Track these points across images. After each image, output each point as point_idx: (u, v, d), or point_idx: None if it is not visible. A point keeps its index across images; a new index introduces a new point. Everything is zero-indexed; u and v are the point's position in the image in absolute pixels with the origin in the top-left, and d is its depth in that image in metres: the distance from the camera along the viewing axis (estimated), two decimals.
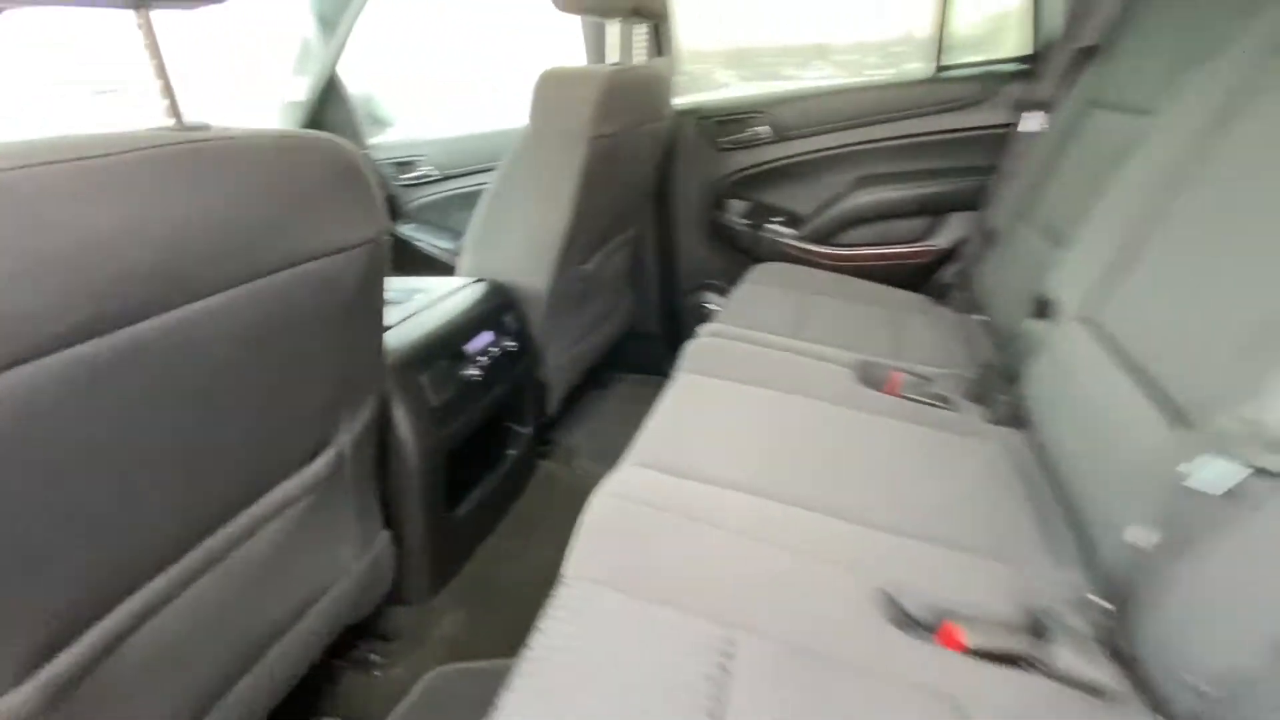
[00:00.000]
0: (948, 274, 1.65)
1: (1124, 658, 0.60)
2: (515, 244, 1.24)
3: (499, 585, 1.19)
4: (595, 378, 1.84)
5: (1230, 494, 0.51)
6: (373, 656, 1.04)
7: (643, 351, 1.93)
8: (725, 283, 1.60)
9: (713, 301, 1.86)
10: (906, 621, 0.66)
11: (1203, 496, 0.52)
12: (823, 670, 0.60)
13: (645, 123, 1.38)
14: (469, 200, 1.38)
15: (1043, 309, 0.99)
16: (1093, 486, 0.73)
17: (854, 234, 1.73)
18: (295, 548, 0.79)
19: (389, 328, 1.00)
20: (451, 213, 2.07)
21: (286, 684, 0.82)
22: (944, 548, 0.74)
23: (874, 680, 0.59)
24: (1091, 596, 0.65)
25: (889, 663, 0.61)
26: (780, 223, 1.75)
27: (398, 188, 2.12)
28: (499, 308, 1.18)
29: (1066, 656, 0.60)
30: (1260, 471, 0.48)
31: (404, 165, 2.13)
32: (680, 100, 1.72)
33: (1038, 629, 0.64)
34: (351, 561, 0.91)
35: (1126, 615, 0.60)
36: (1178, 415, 0.62)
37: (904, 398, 1.10)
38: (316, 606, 0.85)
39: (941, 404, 1.08)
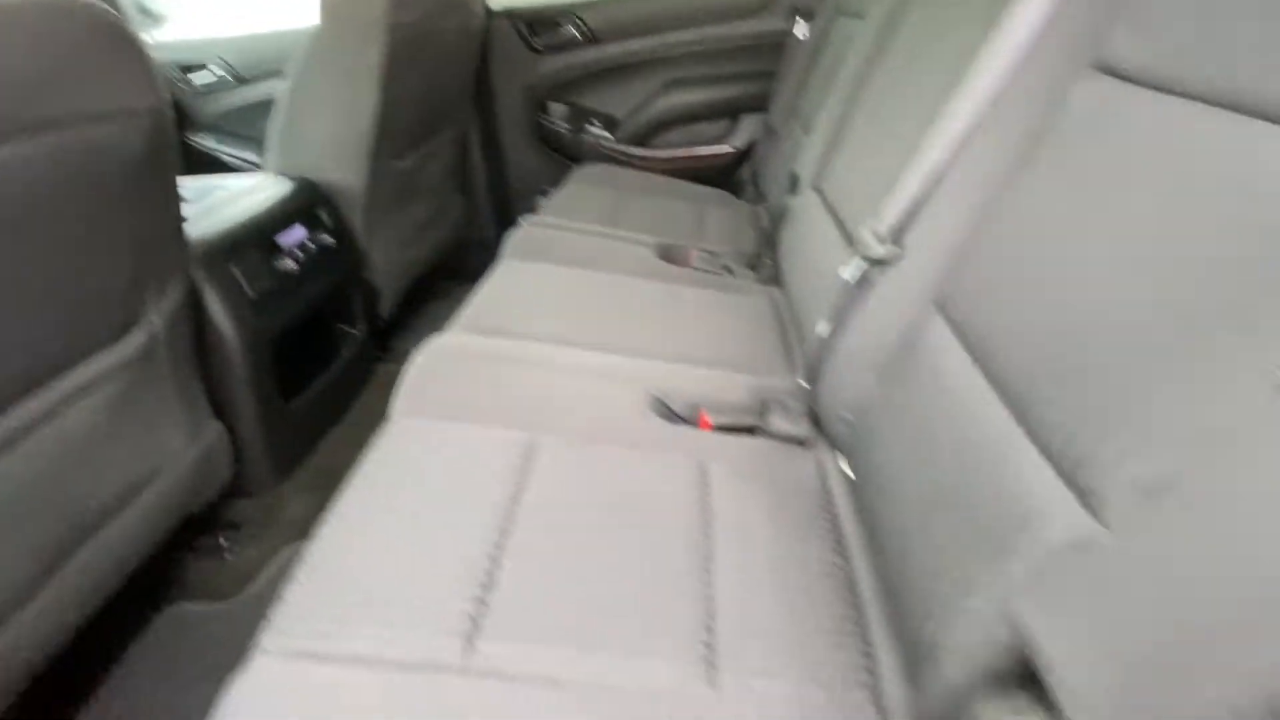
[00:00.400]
0: (745, 171, 1.87)
1: (815, 417, 0.84)
2: (321, 139, 1.23)
3: (344, 470, 1.26)
4: (433, 288, 1.88)
5: (859, 281, 0.73)
6: (222, 542, 1.09)
7: (479, 261, 1.98)
8: (555, 190, 1.70)
9: None
10: (671, 415, 0.86)
11: (848, 286, 0.74)
12: (604, 451, 0.77)
13: (449, 14, 1.40)
14: (272, 107, 1.33)
15: (793, 185, 1.22)
16: (806, 303, 0.96)
17: (666, 137, 1.88)
18: (115, 428, 0.81)
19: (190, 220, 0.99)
20: (254, 121, 1.92)
21: (126, 566, 0.86)
22: (706, 367, 0.95)
23: (643, 453, 0.78)
24: (800, 381, 0.88)
25: (655, 442, 0.80)
26: (599, 126, 1.85)
27: (187, 93, 1.92)
28: (310, 203, 1.19)
29: (779, 422, 0.83)
30: (872, 262, 0.71)
31: (190, 68, 1.92)
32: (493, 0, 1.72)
33: (764, 409, 0.86)
34: (182, 449, 0.95)
35: (816, 386, 0.84)
36: (848, 238, 0.84)
37: (696, 269, 1.30)
38: (149, 490, 0.88)
39: (725, 272, 1.30)
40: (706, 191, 1.76)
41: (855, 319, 0.74)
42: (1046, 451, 0.44)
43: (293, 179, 1.22)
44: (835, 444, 0.80)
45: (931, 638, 0.48)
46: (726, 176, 1.91)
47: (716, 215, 1.60)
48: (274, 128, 1.28)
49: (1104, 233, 0.44)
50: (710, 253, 1.36)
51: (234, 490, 1.13)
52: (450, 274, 1.91)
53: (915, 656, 0.51)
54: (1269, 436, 0.29)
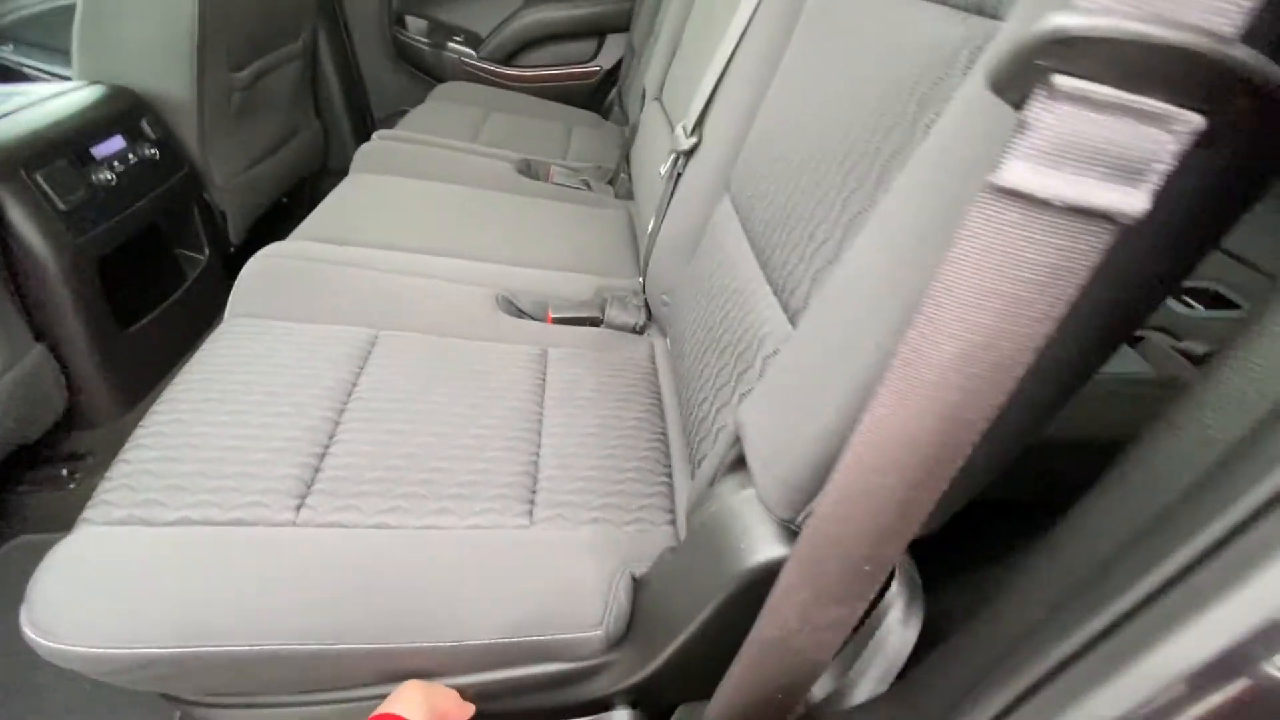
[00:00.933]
0: (612, 93, 1.89)
1: (648, 307, 0.93)
2: (136, 43, 1.13)
3: None
4: (291, 215, 1.79)
5: (673, 175, 0.80)
6: (65, 473, 1.05)
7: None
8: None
9: None
10: (519, 313, 0.91)
11: (666, 181, 0.81)
12: (450, 342, 0.81)
13: None
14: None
15: (643, 101, 1.26)
16: (644, 207, 1.03)
17: (532, 55, 1.85)
18: None
19: None
20: (61, 29, 1.70)
21: None
22: (556, 270, 1.00)
23: (486, 342, 0.83)
24: (640, 279, 0.96)
25: (499, 333, 0.86)
26: (460, 42, 1.79)
27: None
28: (129, 112, 1.10)
29: (616, 314, 0.91)
30: (681, 154, 0.78)
31: None
32: None
33: (604, 304, 0.93)
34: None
35: (646, 279, 0.92)
36: (670, 136, 0.91)
37: (555, 184, 1.33)
38: None
39: (584, 187, 1.34)
40: (575, 112, 1.77)
41: (671, 211, 0.81)
42: (775, 288, 0.53)
43: (106, 86, 1.12)
44: (660, 326, 0.89)
45: (701, 453, 0.58)
46: (599, 98, 1.92)
47: (582, 134, 1.62)
48: (79, 29, 1.16)
49: (813, 102, 0.53)
50: (571, 169, 1.40)
51: (75, 422, 1.09)
52: (309, 201, 1.83)
53: (693, 472, 0.61)
54: (870, 239, 0.39)
